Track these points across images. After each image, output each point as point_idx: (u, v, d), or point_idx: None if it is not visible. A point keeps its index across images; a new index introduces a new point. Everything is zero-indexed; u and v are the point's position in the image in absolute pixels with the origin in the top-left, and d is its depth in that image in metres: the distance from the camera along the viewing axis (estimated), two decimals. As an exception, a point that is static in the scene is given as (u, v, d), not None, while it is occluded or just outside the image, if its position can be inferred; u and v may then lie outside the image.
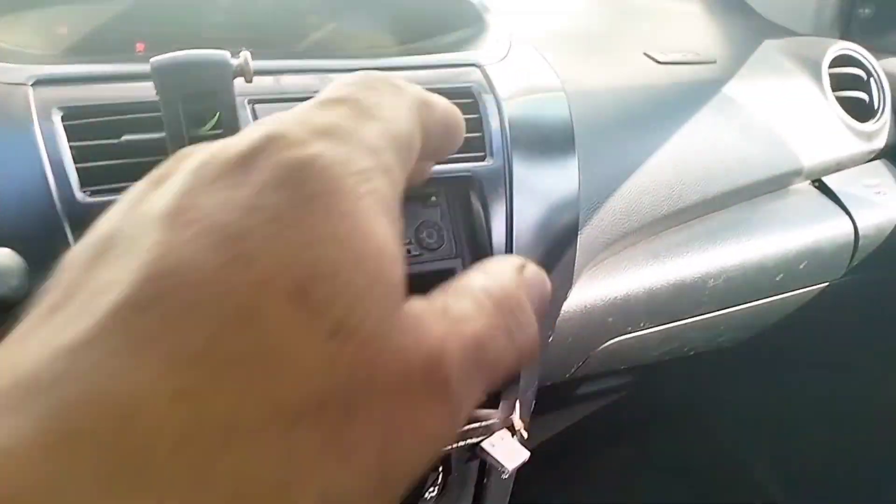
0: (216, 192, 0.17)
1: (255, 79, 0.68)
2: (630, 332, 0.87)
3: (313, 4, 0.95)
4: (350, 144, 0.19)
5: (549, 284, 0.24)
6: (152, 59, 0.54)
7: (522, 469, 0.67)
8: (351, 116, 0.20)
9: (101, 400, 0.14)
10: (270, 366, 0.15)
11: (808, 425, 1.25)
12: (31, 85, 0.61)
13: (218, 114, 0.58)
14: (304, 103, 0.21)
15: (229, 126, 0.56)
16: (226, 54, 0.55)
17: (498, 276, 0.23)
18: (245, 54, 0.55)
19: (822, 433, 1.25)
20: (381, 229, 0.18)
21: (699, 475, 1.32)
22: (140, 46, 0.87)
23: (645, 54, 1.02)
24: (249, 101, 0.65)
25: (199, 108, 0.56)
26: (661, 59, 1.00)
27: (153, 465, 0.14)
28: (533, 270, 0.24)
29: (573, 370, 0.87)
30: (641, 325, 0.87)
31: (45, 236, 0.57)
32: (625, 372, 1.01)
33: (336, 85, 0.22)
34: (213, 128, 0.59)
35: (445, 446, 0.22)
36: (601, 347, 0.86)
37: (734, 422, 1.32)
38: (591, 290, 0.82)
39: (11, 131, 0.59)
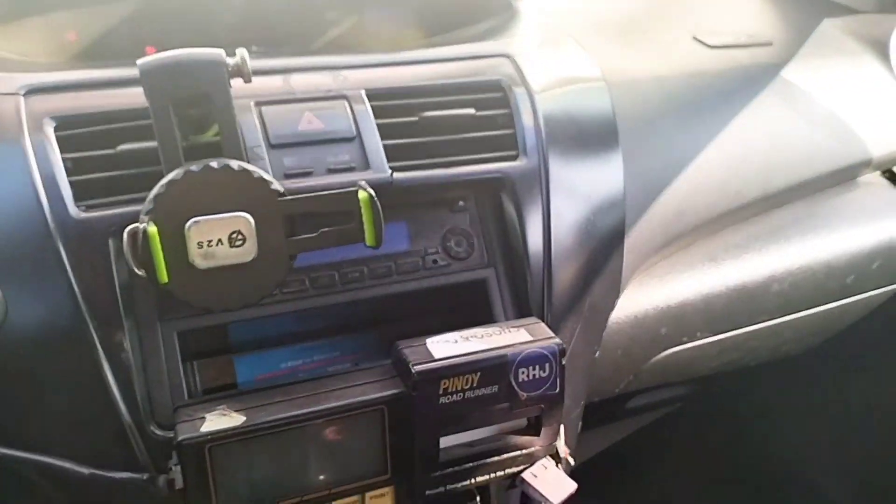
0: None
1: (264, 79, 0.62)
2: (685, 343, 0.79)
3: (331, 0, 0.89)
4: None
5: None
6: (139, 61, 0.49)
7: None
8: None
9: None
10: None
11: (881, 438, 1.14)
12: (23, 95, 0.56)
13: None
14: None
15: (228, 132, 0.50)
16: (220, 52, 0.49)
17: None
18: (241, 51, 0.50)
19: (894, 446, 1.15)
20: None
21: (758, 491, 1.22)
22: (150, 50, 0.83)
23: (694, 38, 0.93)
24: (256, 104, 0.59)
25: (196, 113, 0.51)
26: (711, 43, 0.92)
27: None
28: None
29: (622, 385, 0.79)
30: (698, 334, 0.79)
31: (37, 256, 0.52)
32: (677, 384, 0.93)
33: None
34: (216, 134, 0.53)
35: None
36: (653, 360, 0.78)
37: (797, 433, 1.22)
38: (641, 299, 0.74)
39: (2, 144, 0.54)
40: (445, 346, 0.52)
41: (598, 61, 0.80)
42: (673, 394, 1.04)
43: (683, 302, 0.76)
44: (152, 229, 0.44)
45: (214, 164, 0.47)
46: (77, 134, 0.55)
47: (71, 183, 0.53)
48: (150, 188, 0.53)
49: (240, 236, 0.47)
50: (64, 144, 0.54)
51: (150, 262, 0.45)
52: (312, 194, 0.50)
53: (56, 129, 0.55)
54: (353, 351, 0.68)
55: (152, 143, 0.54)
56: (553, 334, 0.55)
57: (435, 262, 0.62)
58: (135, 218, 0.52)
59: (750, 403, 1.16)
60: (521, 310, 0.63)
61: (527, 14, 0.84)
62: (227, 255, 0.46)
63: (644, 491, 1.23)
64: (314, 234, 0.50)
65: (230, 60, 0.50)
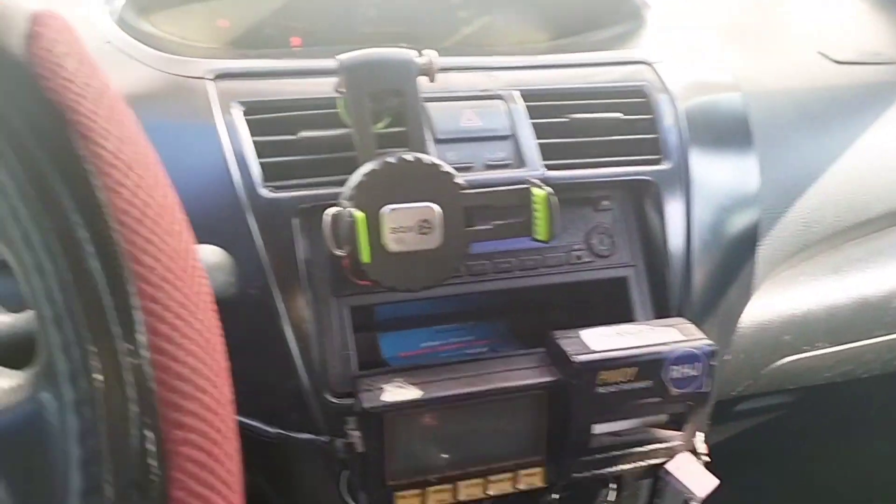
0: None
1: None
2: (805, 352, 0.80)
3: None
4: None
5: None
6: (340, 57, 0.53)
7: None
8: None
9: None
10: None
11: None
12: (212, 79, 0.61)
13: (391, 114, 0.56)
14: None
15: (414, 126, 0.54)
16: (411, 53, 0.53)
17: None
18: (431, 53, 0.53)
19: None
20: None
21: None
22: (296, 41, 0.88)
23: (819, 53, 0.94)
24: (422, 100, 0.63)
25: (380, 107, 0.55)
26: (838, 59, 0.92)
27: None
28: None
29: (740, 388, 0.81)
30: (818, 344, 0.80)
31: (230, 229, 0.56)
32: (786, 392, 0.94)
33: None
34: (387, 126, 0.57)
35: None
36: (772, 366, 0.80)
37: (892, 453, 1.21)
38: (767, 306, 0.75)
39: (195, 123, 0.59)
40: (601, 339, 0.55)
41: (729, 71, 0.81)
42: (778, 401, 1.04)
43: (807, 312, 0.78)
44: (360, 214, 0.48)
45: (409, 156, 0.50)
46: (263, 119, 0.60)
47: (261, 165, 0.57)
48: (328, 174, 0.58)
49: (427, 225, 0.50)
50: (251, 127, 0.59)
51: (354, 244, 0.48)
52: (491, 189, 0.53)
53: (245, 113, 0.59)
54: (486, 336, 0.72)
55: (330, 132, 0.59)
56: (703, 335, 0.57)
57: (579, 257, 0.65)
58: (315, 200, 0.56)
59: (852, 417, 1.16)
60: (660, 310, 0.66)
61: (652, 22, 0.86)
62: (415, 242, 0.50)
63: (731, 497, 1.24)
64: (489, 226, 0.53)
65: (419, 60, 0.53)
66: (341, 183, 0.54)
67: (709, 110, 0.74)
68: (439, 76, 0.66)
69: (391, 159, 0.50)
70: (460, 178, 0.52)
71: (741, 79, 0.81)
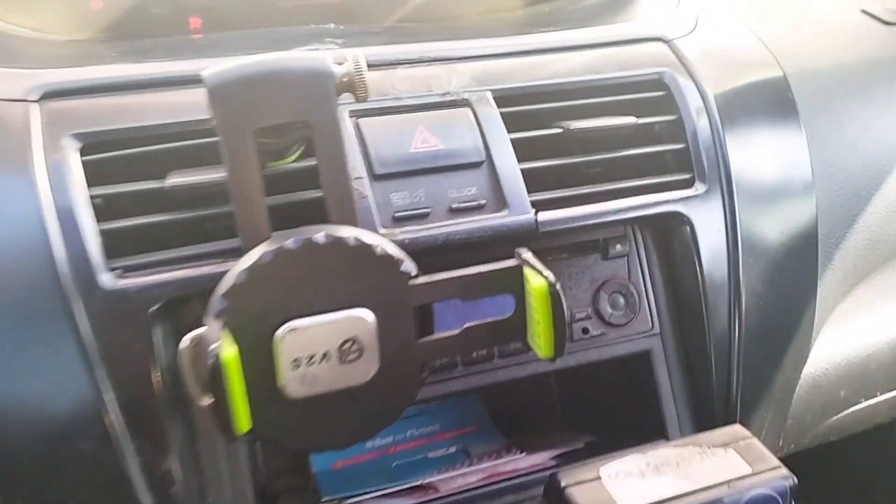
0: None
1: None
2: (860, 404, 0.63)
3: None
4: None
5: None
6: (205, 73, 0.32)
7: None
8: None
9: None
10: None
11: None
12: (37, 101, 0.40)
13: (303, 145, 0.37)
14: None
15: (334, 175, 0.34)
16: (324, 60, 0.33)
17: None
18: (356, 57, 0.33)
19: None
20: None
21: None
22: (194, 22, 0.66)
23: (863, 11, 0.75)
24: (351, 115, 0.43)
25: (284, 141, 0.35)
26: (886, 19, 0.73)
27: None
28: None
29: (779, 455, 0.64)
30: (878, 394, 0.63)
31: (44, 341, 0.36)
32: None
33: None
34: (298, 159, 0.38)
35: None
36: (822, 426, 0.63)
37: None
38: (821, 355, 0.58)
39: (1, 171, 0.39)
40: (630, 484, 0.37)
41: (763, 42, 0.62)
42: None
43: (868, 357, 0.61)
44: (229, 354, 0.28)
45: (320, 237, 0.30)
46: (109, 158, 0.40)
47: (102, 233, 0.37)
48: (211, 238, 0.38)
49: (354, 347, 0.31)
50: (92, 174, 0.39)
51: (223, 399, 0.29)
52: (456, 275, 0.33)
53: (82, 153, 0.39)
54: (455, 425, 0.54)
55: (213, 176, 0.38)
56: (778, 461, 0.39)
57: (585, 331, 0.47)
58: (188, 287, 0.37)
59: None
60: (697, 394, 0.48)
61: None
62: (334, 379, 0.31)
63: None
64: (455, 333, 0.34)
65: (338, 69, 0.33)
66: (233, 253, 0.34)
67: (749, 103, 0.55)
68: (377, 75, 0.46)
69: (289, 243, 0.30)
70: (409, 263, 0.33)
71: (782, 52, 0.62)
